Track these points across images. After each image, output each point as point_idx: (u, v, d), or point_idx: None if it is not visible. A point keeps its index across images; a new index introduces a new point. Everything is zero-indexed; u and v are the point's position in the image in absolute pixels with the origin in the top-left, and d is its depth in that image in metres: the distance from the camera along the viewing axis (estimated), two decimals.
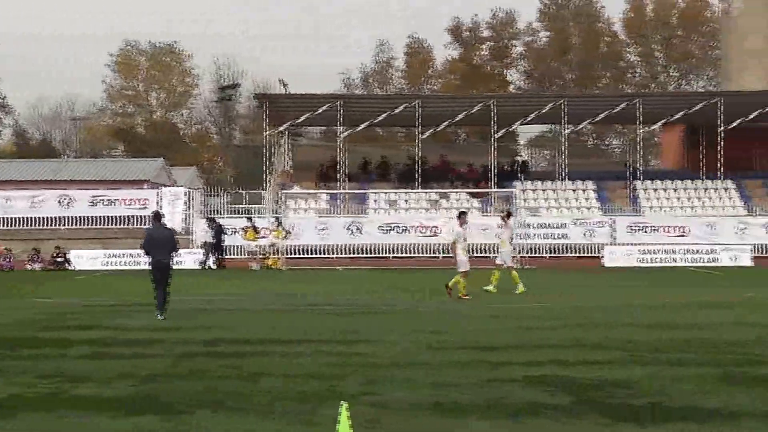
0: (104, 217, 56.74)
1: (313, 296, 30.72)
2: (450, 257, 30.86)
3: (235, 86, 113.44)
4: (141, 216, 56.09)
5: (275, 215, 55.48)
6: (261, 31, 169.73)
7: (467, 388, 13.12)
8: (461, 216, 30.26)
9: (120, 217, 56.90)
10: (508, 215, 34.66)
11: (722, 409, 11.64)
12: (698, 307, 26.02)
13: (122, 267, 51.30)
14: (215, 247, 51.67)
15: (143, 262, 50.28)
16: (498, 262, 32.82)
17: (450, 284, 29.02)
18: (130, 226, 56.19)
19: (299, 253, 54.32)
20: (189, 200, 56.64)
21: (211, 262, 51.14)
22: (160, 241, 23.60)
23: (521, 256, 49.68)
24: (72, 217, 56.77)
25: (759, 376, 14.05)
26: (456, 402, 12.19)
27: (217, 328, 20.93)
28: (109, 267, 51.60)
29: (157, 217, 24.69)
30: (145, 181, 75.94)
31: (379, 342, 18.20)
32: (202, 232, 52.24)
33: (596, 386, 13.24)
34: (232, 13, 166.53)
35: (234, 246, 53.93)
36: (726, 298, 29.27)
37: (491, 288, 31.24)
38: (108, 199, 57.36)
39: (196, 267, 50.14)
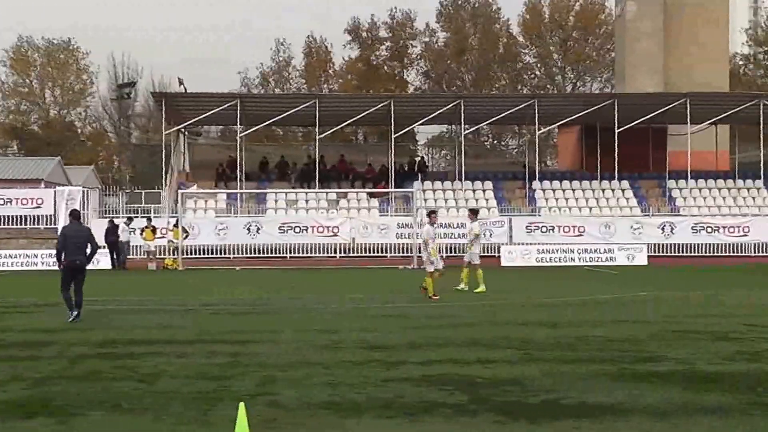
0: None
1: (210, 296, 30.53)
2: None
3: (132, 84, 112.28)
4: (36, 216, 55.41)
5: (173, 215, 55.03)
6: (159, 29, 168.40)
7: (363, 388, 13.15)
8: (431, 215, 30.34)
9: (14, 216, 56.11)
10: (475, 214, 34.57)
11: (616, 406, 11.81)
12: (593, 305, 26.38)
13: (17, 268, 50.48)
14: (114, 247, 50.86)
15: (39, 262, 50.21)
16: (466, 260, 32.87)
17: (424, 285, 28.79)
18: (25, 226, 55.48)
19: (198, 253, 54.02)
20: (85, 200, 55.94)
21: (111, 263, 50.23)
22: (75, 241, 22.65)
23: (419, 256, 49.85)
24: None
25: (651, 372, 14.28)
26: (353, 401, 12.22)
27: (112, 329, 20.69)
28: (3, 268, 50.74)
29: (75, 215, 23.88)
30: (40, 180, 74.84)
31: (274, 342, 18.16)
32: (120, 231, 51.37)
33: (492, 384, 13.35)
34: (131, 10, 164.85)
35: (132, 246, 53.30)
36: (621, 296, 29.70)
37: (462, 286, 31.57)
38: (2, 198, 56.49)
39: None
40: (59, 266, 22.87)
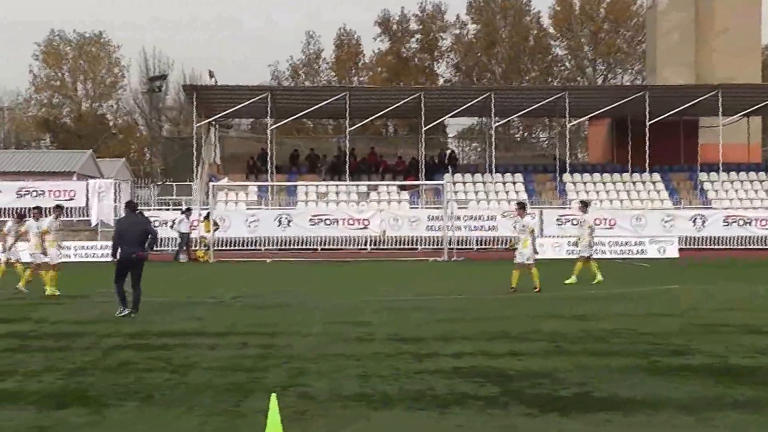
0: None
1: (240, 288, 30.55)
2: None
3: (163, 77, 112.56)
4: (69, 208, 55.65)
5: (204, 207, 55.11)
6: (190, 21, 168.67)
7: (394, 380, 13.19)
8: (516, 207, 30.21)
9: (48, 209, 56.28)
10: (586, 206, 34.55)
11: (647, 399, 11.81)
12: (624, 297, 26.30)
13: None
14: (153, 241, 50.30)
15: (72, 254, 50.37)
16: (583, 255, 33.02)
17: (535, 282, 28.52)
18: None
19: (228, 246, 54.09)
20: (117, 192, 56.14)
21: (181, 256, 49.86)
22: (130, 233, 22.15)
23: (450, 248, 49.80)
24: None
25: (682, 366, 14.26)
26: (384, 393, 12.25)
27: (144, 320, 20.77)
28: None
29: (131, 206, 23.34)
30: (72, 173, 75.21)
31: (305, 334, 18.21)
32: (177, 222, 51.14)
33: (523, 377, 13.37)
34: (161, 3, 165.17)
35: (163, 238, 53.19)
36: (652, 289, 29.60)
37: (572, 279, 31.78)
38: (35, 191, 56.75)
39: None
40: (113, 260, 22.30)
